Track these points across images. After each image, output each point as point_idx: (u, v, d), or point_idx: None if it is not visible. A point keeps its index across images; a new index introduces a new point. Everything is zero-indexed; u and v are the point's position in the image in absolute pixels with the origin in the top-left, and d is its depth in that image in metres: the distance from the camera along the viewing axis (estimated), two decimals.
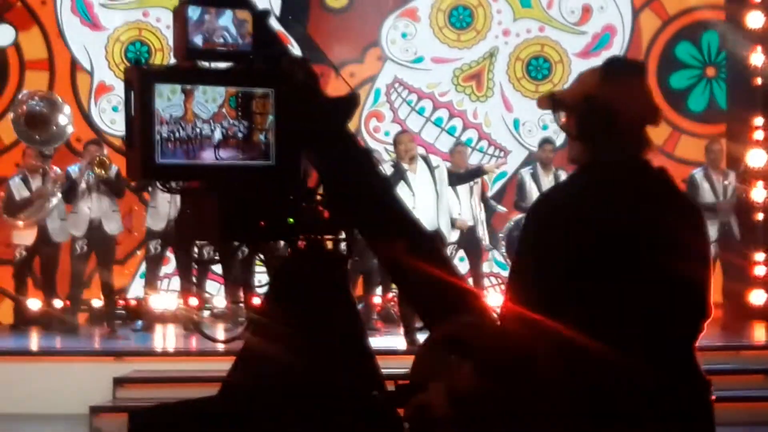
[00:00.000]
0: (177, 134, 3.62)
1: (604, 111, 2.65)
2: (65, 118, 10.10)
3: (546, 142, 10.57)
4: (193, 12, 3.73)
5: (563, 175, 10.18)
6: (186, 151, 3.63)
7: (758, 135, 11.17)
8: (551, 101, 2.77)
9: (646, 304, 2.54)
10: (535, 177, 10.36)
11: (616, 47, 12.05)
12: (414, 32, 12.12)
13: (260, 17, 3.79)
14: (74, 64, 11.78)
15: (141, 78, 3.62)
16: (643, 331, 2.53)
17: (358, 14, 11.95)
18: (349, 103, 3.87)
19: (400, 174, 9.12)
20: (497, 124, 12.13)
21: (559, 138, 11.64)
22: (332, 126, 3.78)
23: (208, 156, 3.65)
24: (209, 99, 3.67)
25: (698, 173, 10.47)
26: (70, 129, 10.17)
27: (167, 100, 3.62)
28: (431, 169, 9.30)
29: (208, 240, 3.54)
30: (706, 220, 2.76)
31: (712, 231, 10.46)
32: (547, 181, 10.16)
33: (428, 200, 9.14)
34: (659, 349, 2.55)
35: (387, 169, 9.19)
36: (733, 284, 10.94)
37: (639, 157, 2.69)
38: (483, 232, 10.18)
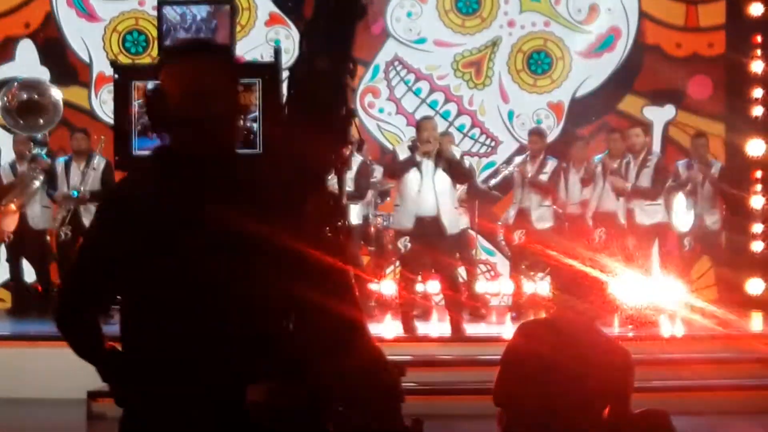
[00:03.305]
0: None
1: (152, 100, 2.59)
2: (55, 97, 10.08)
3: (533, 133, 10.41)
4: (168, 11, 3.90)
5: (550, 163, 10.10)
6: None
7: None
8: None
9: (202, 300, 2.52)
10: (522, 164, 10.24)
11: (619, 50, 12.01)
12: (419, 12, 12.12)
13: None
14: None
15: (119, 75, 3.94)
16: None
17: None
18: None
19: (413, 161, 8.76)
20: (492, 114, 12.13)
21: (552, 130, 11.67)
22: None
23: None
24: None
25: (681, 164, 10.44)
26: (60, 109, 10.16)
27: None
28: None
29: None
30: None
31: (690, 218, 10.18)
32: (531, 168, 10.08)
33: (439, 189, 8.74)
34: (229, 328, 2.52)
35: (403, 151, 9.02)
36: (725, 271, 10.93)
37: (202, 147, 2.54)
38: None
